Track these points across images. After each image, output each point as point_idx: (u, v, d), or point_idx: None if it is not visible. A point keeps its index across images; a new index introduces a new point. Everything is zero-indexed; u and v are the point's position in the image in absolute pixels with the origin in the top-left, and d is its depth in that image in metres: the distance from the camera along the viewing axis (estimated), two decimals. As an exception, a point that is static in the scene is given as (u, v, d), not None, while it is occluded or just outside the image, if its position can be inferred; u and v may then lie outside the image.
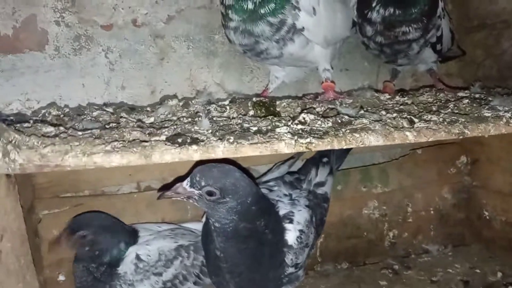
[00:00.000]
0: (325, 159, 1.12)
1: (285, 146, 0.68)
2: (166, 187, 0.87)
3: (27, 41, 1.09)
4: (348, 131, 0.73)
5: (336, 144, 0.71)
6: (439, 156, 1.35)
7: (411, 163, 1.34)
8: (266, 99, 0.96)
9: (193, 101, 0.95)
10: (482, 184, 1.34)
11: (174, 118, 0.84)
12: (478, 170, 1.35)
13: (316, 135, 0.71)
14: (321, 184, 1.08)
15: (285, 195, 1.00)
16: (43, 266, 1.08)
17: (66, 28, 1.11)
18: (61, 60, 1.12)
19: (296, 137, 0.69)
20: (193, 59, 1.20)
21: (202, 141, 0.68)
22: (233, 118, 0.84)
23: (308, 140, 0.69)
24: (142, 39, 1.16)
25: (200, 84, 1.22)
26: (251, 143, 0.67)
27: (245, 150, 0.67)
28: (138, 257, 0.94)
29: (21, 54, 1.09)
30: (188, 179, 0.81)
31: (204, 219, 0.98)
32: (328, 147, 0.71)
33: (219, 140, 0.67)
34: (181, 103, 0.95)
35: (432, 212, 1.36)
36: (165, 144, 0.66)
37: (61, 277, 1.10)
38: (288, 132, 0.71)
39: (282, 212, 0.94)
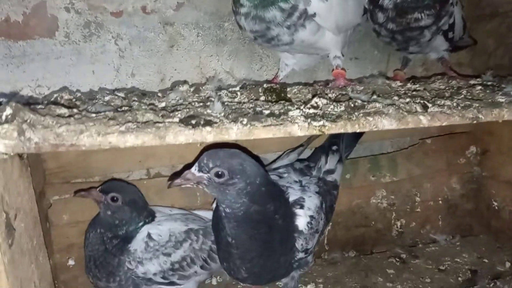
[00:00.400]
0: (334, 147, 1.12)
1: (299, 129, 0.68)
2: (176, 175, 0.87)
3: (37, 27, 1.09)
4: (361, 114, 0.72)
5: (350, 128, 0.70)
6: (448, 146, 1.35)
7: (420, 152, 1.33)
8: (277, 85, 0.95)
9: (203, 87, 0.95)
10: (491, 175, 1.33)
11: (186, 103, 0.84)
12: (488, 161, 1.34)
13: (329, 119, 0.71)
14: (330, 171, 1.08)
15: (295, 181, 1.01)
16: (53, 251, 1.09)
17: (76, 14, 1.11)
18: (71, 47, 1.12)
19: (309, 120, 0.69)
20: (202, 47, 1.20)
21: (216, 123, 0.67)
22: (245, 103, 0.84)
23: (321, 123, 0.69)
24: (151, 26, 1.16)
25: (210, 72, 1.22)
26: (264, 125, 0.67)
27: (259, 132, 0.67)
28: (149, 235, 0.95)
29: (31, 41, 1.09)
30: (196, 164, 0.81)
31: (214, 206, 0.99)
32: (342, 131, 0.70)
33: (232, 122, 0.67)
34: (191, 89, 0.95)
35: (440, 202, 1.36)
36: (179, 125, 0.66)
37: (71, 262, 1.11)
38: (301, 115, 0.71)
39: (292, 197, 0.94)
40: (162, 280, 0.94)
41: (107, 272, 0.92)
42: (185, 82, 1.16)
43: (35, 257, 0.76)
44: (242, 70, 1.24)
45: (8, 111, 0.61)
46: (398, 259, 1.24)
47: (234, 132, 0.66)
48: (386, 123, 0.72)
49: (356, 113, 0.73)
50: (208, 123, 0.67)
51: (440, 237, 1.35)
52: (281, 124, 0.68)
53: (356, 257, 1.27)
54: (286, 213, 0.91)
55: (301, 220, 0.91)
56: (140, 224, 0.98)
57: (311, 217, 0.93)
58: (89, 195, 0.96)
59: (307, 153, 1.18)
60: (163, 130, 0.65)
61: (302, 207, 0.93)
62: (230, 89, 0.93)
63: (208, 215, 1.09)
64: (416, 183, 1.34)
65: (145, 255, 0.93)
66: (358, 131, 0.72)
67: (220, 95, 0.86)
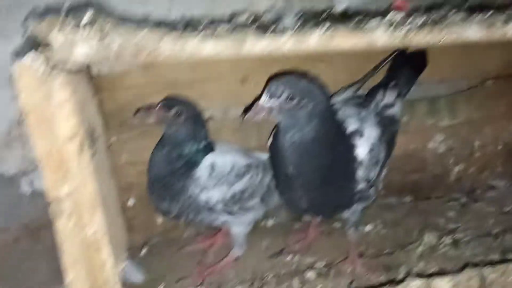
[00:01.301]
0: (392, 83, 1.08)
1: (381, 37, 0.65)
2: (247, 110, 0.85)
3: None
4: (445, 25, 0.68)
5: (434, 37, 0.67)
6: (510, 87, 1.28)
7: (481, 95, 1.26)
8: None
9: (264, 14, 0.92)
10: (556, 118, 1.26)
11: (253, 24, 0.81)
12: (553, 102, 1.27)
13: (411, 28, 0.67)
14: (389, 105, 1.04)
15: (354, 114, 0.98)
16: (113, 191, 1.10)
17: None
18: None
19: (392, 28, 0.65)
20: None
21: (294, 30, 0.65)
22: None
23: (404, 31, 0.65)
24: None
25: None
26: (345, 32, 0.64)
27: (339, 41, 0.64)
28: (213, 164, 0.94)
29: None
30: (265, 93, 0.80)
31: (269, 142, 0.97)
32: (425, 40, 0.67)
33: (312, 29, 0.64)
34: (250, 18, 0.92)
35: (500, 147, 1.30)
36: (256, 34, 0.64)
37: (131, 201, 1.12)
38: (384, 23, 0.67)
39: (351, 127, 0.92)
40: (223, 209, 0.94)
41: (170, 194, 0.92)
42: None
43: (109, 178, 0.77)
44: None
45: (88, 16, 0.61)
46: (457, 203, 1.20)
47: (314, 40, 0.64)
48: (471, 33, 0.68)
49: (439, 23, 0.69)
50: (286, 30, 0.65)
51: (499, 183, 1.29)
52: (363, 32, 0.65)
53: (413, 201, 1.24)
54: (347, 143, 0.89)
55: (361, 150, 0.89)
56: (202, 146, 0.95)
57: (371, 146, 0.90)
58: (150, 114, 0.90)
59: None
60: (241, 38, 0.63)
61: (361, 135, 0.91)
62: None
63: (262, 157, 1.07)
64: (475, 127, 1.28)
65: (208, 182, 0.92)
66: (441, 41, 0.68)
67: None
